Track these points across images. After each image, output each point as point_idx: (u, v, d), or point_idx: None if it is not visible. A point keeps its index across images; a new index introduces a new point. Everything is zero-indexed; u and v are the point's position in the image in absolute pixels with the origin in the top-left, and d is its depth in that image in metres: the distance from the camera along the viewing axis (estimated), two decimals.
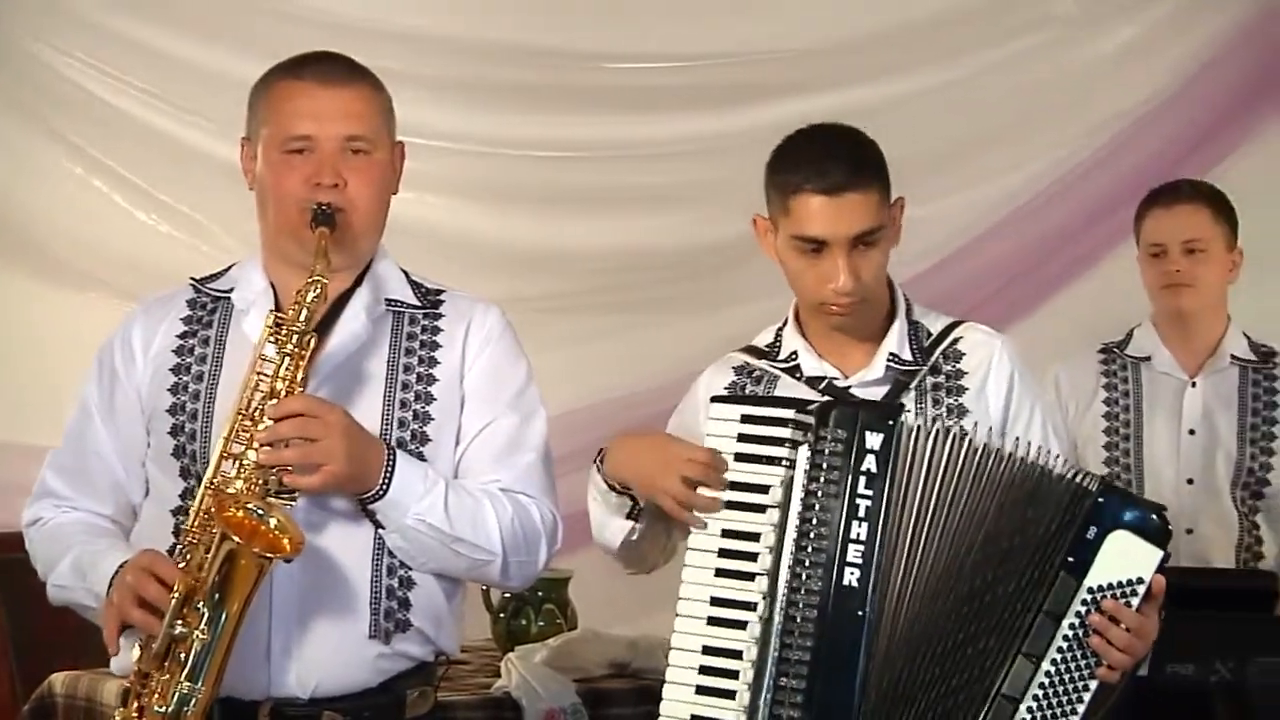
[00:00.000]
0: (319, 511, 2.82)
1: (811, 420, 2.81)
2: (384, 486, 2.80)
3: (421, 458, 2.87)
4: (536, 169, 5.23)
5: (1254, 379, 4.18)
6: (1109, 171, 5.22)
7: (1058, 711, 2.75)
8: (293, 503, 2.75)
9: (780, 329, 3.10)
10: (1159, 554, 2.76)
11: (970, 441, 2.78)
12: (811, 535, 2.79)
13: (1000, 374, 3.02)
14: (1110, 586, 2.75)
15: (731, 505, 2.84)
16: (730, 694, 2.80)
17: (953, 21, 5.20)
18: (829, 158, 2.93)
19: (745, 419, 2.87)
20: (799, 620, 2.78)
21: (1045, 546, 2.76)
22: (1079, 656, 2.76)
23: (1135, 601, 2.75)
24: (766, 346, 3.10)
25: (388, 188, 2.96)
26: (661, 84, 5.23)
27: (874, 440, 2.79)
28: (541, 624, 4.11)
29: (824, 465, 2.80)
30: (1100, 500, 2.77)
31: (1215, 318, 4.21)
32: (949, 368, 3.02)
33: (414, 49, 4.99)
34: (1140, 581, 2.76)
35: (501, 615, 4.17)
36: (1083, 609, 2.75)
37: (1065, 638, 2.75)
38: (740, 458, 2.85)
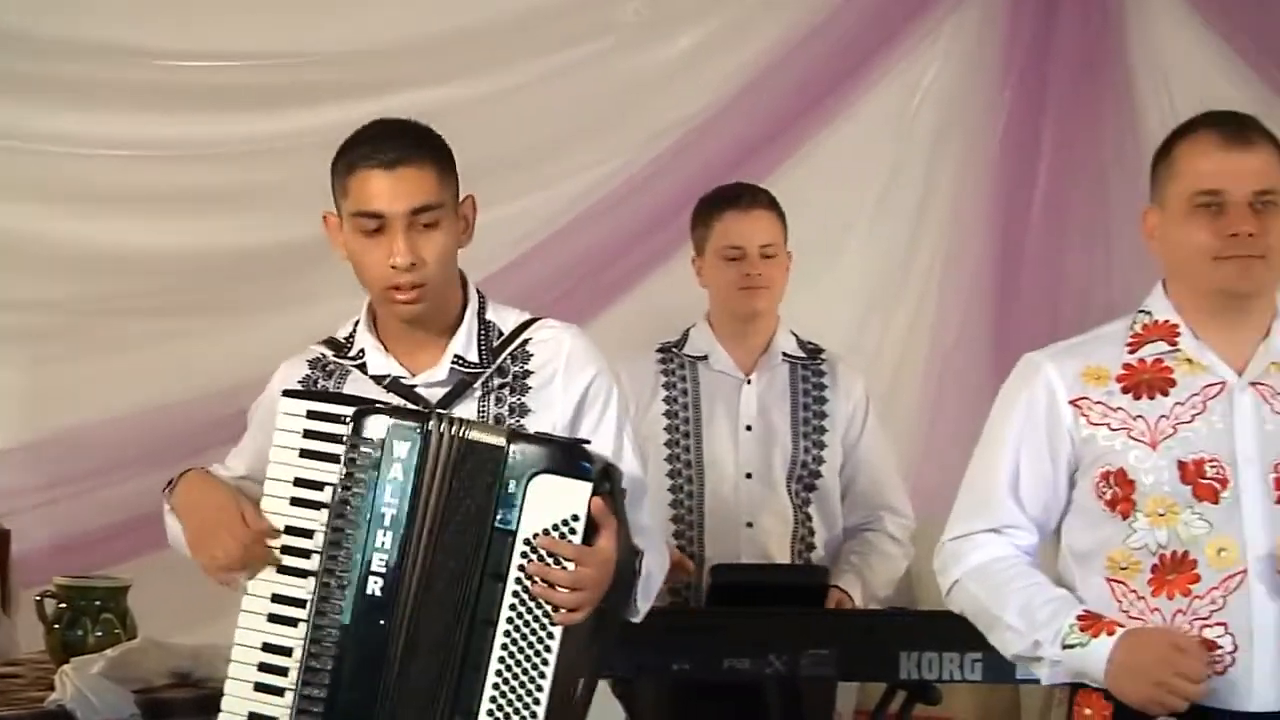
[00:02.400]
0: None
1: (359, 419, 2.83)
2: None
3: None
4: (102, 168, 5.08)
5: (803, 375, 4.31)
6: (671, 177, 5.31)
7: (526, 667, 2.78)
8: None
9: (358, 322, 3.08)
10: (587, 486, 2.79)
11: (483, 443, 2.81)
12: (341, 544, 2.80)
13: (576, 370, 3.05)
14: (545, 532, 2.78)
15: (295, 502, 2.84)
16: (281, 691, 2.80)
17: (519, 27, 5.22)
18: (386, 135, 2.95)
19: (311, 415, 2.86)
20: (325, 629, 2.79)
21: (479, 513, 2.80)
22: (533, 609, 2.79)
23: (576, 538, 2.78)
24: (343, 340, 3.08)
25: None
26: (231, 83, 5.13)
27: (401, 449, 2.80)
28: (99, 634, 3.98)
29: (354, 474, 2.81)
30: (513, 452, 2.80)
31: (770, 320, 4.32)
32: (516, 368, 3.04)
33: None
34: (576, 518, 2.79)
35: (56, 626, 4.03)
36: (524, 561, 2.78)
37: (515, 594, 2.78)
38: (305, 454, 2.85)
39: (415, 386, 3.00)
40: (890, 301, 5.51)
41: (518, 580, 2.79)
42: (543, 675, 2.79)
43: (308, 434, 2.85)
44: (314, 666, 2.79)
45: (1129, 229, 5.30)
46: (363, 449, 2.82)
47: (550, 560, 2.79)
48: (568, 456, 2.82)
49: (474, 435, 2.84)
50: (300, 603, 2.82)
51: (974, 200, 5.53)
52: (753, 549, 4.22)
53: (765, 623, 3.90)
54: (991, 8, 5.48)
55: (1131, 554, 2.92)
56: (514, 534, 2.79)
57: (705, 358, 4.30)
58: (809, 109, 5.39)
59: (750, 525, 4.23)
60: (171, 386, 4.99)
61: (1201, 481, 2.89)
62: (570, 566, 2.79)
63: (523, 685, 2.78)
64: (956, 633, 3.23)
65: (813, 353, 4.34)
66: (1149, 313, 3.03)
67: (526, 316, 3.10)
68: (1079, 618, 2.90)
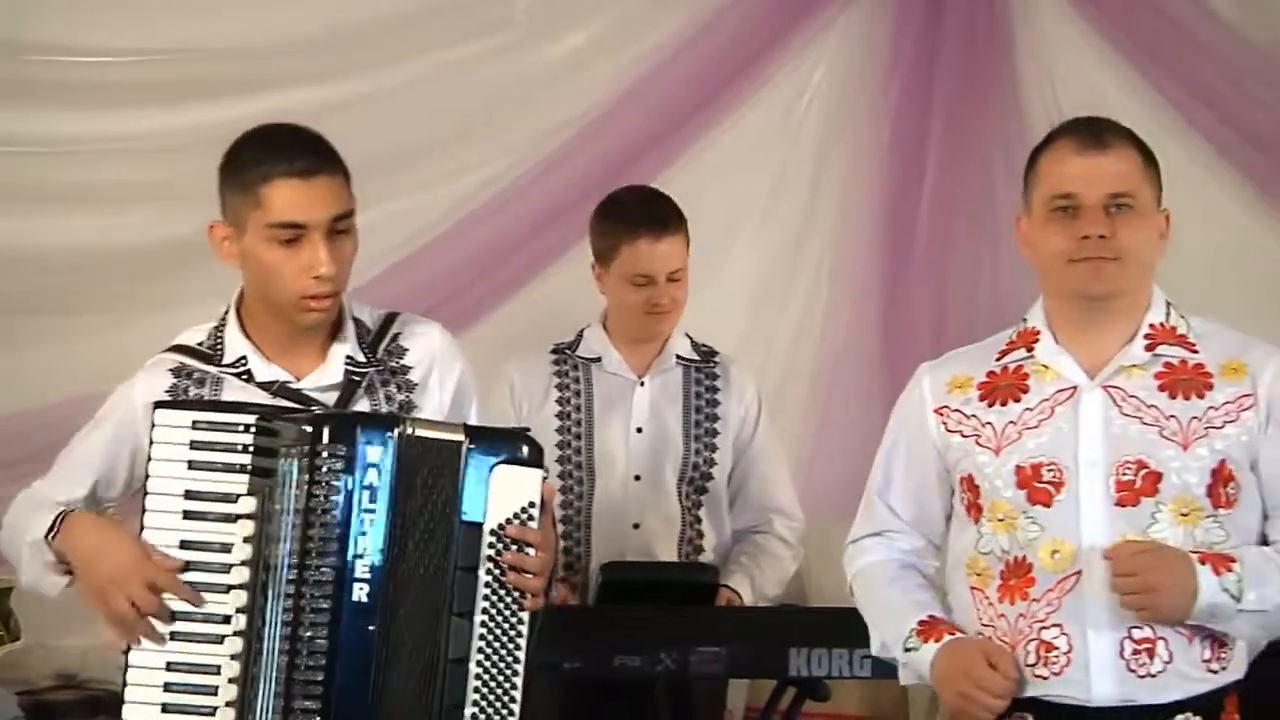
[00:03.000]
0: None
1: (273, 426, 2.79)
2: None
3: None
4: None
5: (697, 377, 4.31)
6: (561, 176, 5.30)
7: (503, 654, 2.81)
8: None
9: (217, 330, 3.04)
10: (539, 473, 2.85)
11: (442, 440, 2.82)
12: (314, 553, 2.75)
13: (449, 367, 3.08)
14: (510, 521, 2.82)
15: (189, 515, 2.79)
16: (209, 711, 2.75)
17: (408, 23, 5.19)
18: (295, 145, 2.94)
19: (197, 425, 2.82)
20: (307, 639, 2.74)
21: (446, 509, 2.81)
22: (504, 597, 2.82)
23: (535, 524, 2.84)
24: (207, 348, 3.03)
25: None
26: (113, 80, 5.06)
27: (374, 453, 2.79)
28: None
29: (322, 481, 2.76)
30: (471, 446, 2.82)
31: None
32: (394, 363, 3.05)
33: None
34: (533, 505, 2.84)
35: None
36: (492, 552, 2.81)
37: (487, 584, 2.81)
38: (195, 465, 2.80)
39: (304, 390, 2.98)
40: (778, 301, 5.53)
41: (489, 571, 2.81)
42: (517, 660, 2.83)
43: (195, 445, 2.81)
44: (302, 679, 2.74)
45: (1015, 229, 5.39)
46: (328, 455, 2.77)
47: (517, 548, 2.83)
48: (521, 446, 2.86)
49: (432, 434, 2.84)
50: (224, 618, 2.78)
51: (862, 199, 5.56)
52: (639, 550, 4.23)
53: (656, 620, 3.91)
54: (878, 8, 5.51)
55: (984, 559, 2.99)
56: (481, 525, 2.82)
57: (599, 360, 4.30)
58: (698, 108, 5.40)
59: (637, 527, 4.24)
60: (59, 385, 4.92)
61: (1036, 485, 2.95)
62: (533, 552, 2.84)
63: (502, 673, 2.82)
64: (846, 629, 3.28)
65: (706, 355, 4.35)
66: (1025, 320, 3.11)
67: (382, 311, 3.10)
68: (920, 623, 3.00)
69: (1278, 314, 4.85)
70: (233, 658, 2.77)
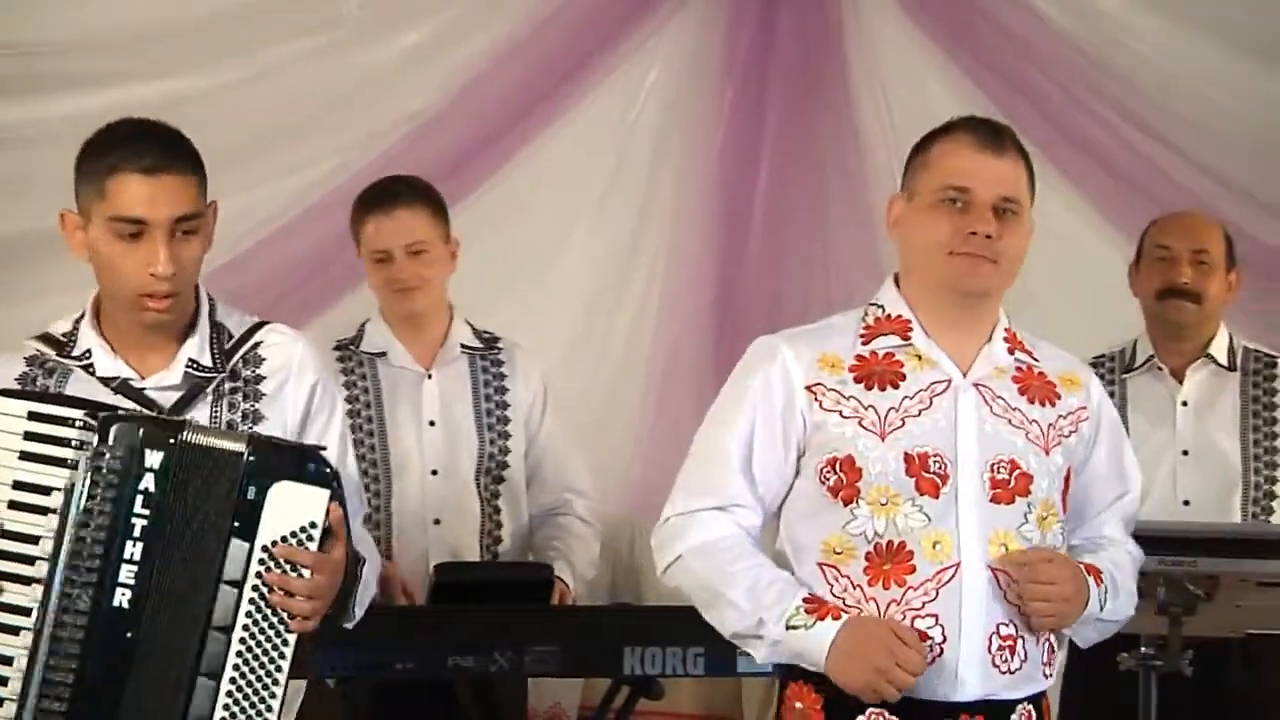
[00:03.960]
0: None
1: (93, 423, 2.76)
2: None
3: None
4: None
5: (483, 365, 4.30)
6: (395, 174, 5.29)
7: (261, 674, 2.77)
8: None
9: (78, 320, 3.01)
10: (325, 493, 2.79)
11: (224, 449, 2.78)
12: (85, 554, 2.74)
13: (303, 378, 3.03)
14: (284, 539, 2.78)
15: (14, 505, 2.76)
16: None
17: (243, 19, 5.16)
18: (145, 138, 2.90)
19: (32, 416, 2.78)
20: (66, 640, 2.72)
21: (218, 520, 2.77)
22: (269, 616, 2.78)
23: (314, 545, 2.79)
24: (63, 336, 3.00)
25: None
26: None
27: (154, 458, 2.75)
28: None
29: (101, 481, 2.74)
30: (252, 459, 2.78)
31: (441, 312, 4.29)
32: (248, 372, 3.00)
33: None
34: (314, 525, 2.79)
35: None
36: (262, 569, 2.77)
37: (251, 601, 2.77)
38: (25, 456, 2.77)
39: (145, 390, 2.95)
40: (613, 300, 5.54)
41: (254, 588, 2.77)
42: (276, 682, 2.78)
43: (29, 436, 2.78)
44: (53, 679, 2.71)
45: (848, 227, 5.45)
46: (109, 457, 2.75)
47: (288, 568, 2.78)
48: (307, 463, 2.80)
49: (215, 442, 2.80)
50: (22, 610, 2.74)
51: (696, 199, 5.59)
52: (440, 546, 4.21)
53: (490, 620, 3.90)
54: (712, 10, 5.54)
55: (848, 540, 2.96)
56: (253, 541, 2.77)
57: (384, 354, 4.26)
58: (532, 108, 5.40)
59: (438, 522, 4.22)
60: None
61: (925, 475, 2.95)
62: (307, 574, 2.79)
63: (256, 692, 2.77)
64: (679, 627, 3.28)
65: (489, 342, 4.33)
66: (880, 306, 3.08)
67: (253, 319, 3.07)
68: (805, 600, 2.94)
69: (1102, 315, 4.95)
70: (26, 651, 2.74)
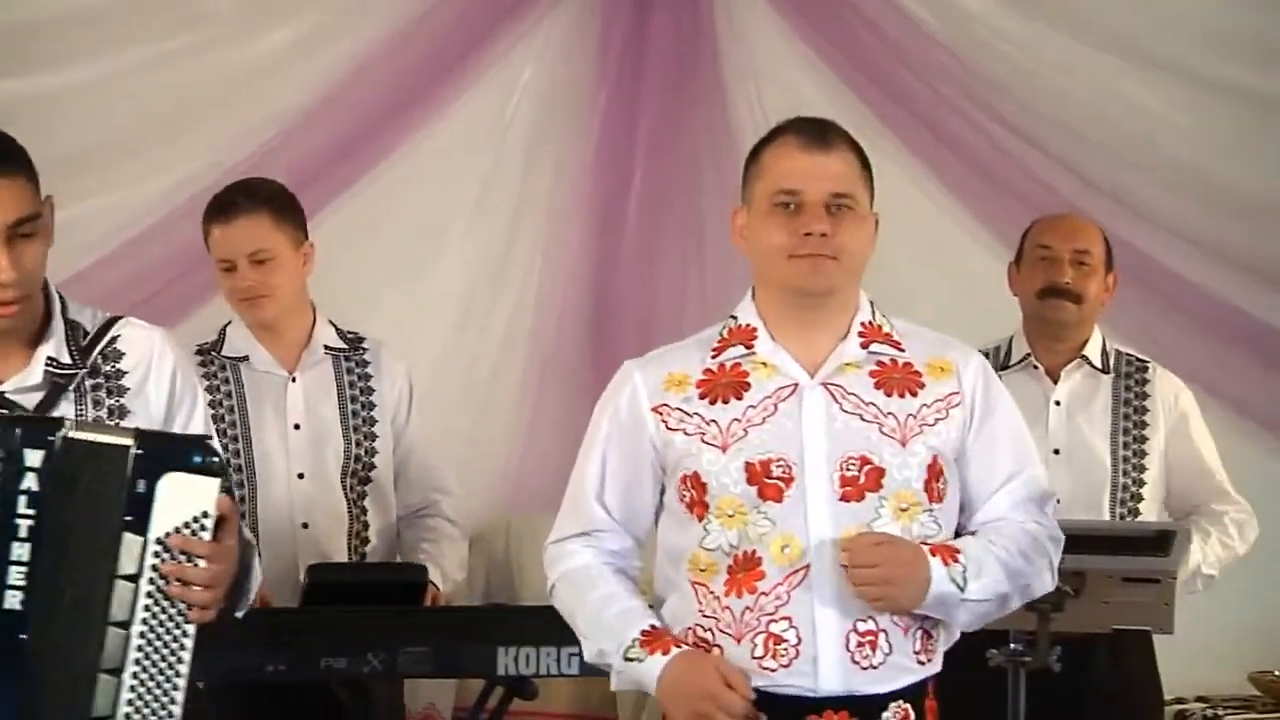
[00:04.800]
0: None
1: None
2: None
3: None
4: None
5: (348, 366, 4.26)
6: (267, 174, 5.18)
7: (163, 667, 2.75)
8: None
9: None
10: (215, 482, 2.77)
11: (110, 445, 2.75)
12: None
13: (162, 368, 2.98)
14: (177, 530, 2.76)
15: None
16: None
17: (105, 17, 5.11)
18: None
19: None
20: None
21: (109, 515, 2.74)
22: (168, 609, 2.76)
23: (207, 535, 2.77)
24: None
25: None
26: None
27: (34, 457, 2.71)
28: None
29: None
30: (140, 452, 2.75)
31: (300, 316, 4.25)
32: (109, 367, 2.96)
33: None
34: (206, 515, 2.77)
35: None
36: (157, 561, 2.75)
37: (149, 594, 2.74)
38: None
39: (5, 393, 2.91)
40: (489, 301, 5.53)
41: (151, 581, 2.74)
42: (178, 674, 2.76)
43: None
44: None
45: (722, 226, 5.41)
46: None
47: (183, 558, 2.75)
48: (196, 453, 2.78)
49: (99, 437, 2.76)
50: None
51: (571, 199, 5.59)
52: (310, 549, 4.17)
53: (363, 621, 3.87)
54: (585, 10, 5.55)
55: (708, 555, 2.99)
56: (146, 534, 2.74)
57: (246, 359, 4.22)
58: (404, 108, 5.38)
59: (306, 526, 4.19)
60: None
61: (767, 481, 2.97)
62: (202, 564, 2.76)
63: (159, 685, 2.74)
64: (553, 628, 3.27)
65: (354, 342, 4.30)
66: (735, 318, 3.11)
67: (105, 315, 3.03)
68: (643, 633, 3.00)
69: (966, 306, 5.01)
70: None
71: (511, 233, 5.55)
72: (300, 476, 4.18)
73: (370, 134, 5.36)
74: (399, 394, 4.29)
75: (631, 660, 2.99)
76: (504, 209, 5.53)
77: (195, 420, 3.00)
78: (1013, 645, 3.59)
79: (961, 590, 2.97)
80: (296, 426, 4.20)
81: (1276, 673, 4.99)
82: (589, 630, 3.07)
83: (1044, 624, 3.54)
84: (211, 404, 4.13)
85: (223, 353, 4.22)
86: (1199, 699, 4.86)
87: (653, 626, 3.01)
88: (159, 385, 2.98)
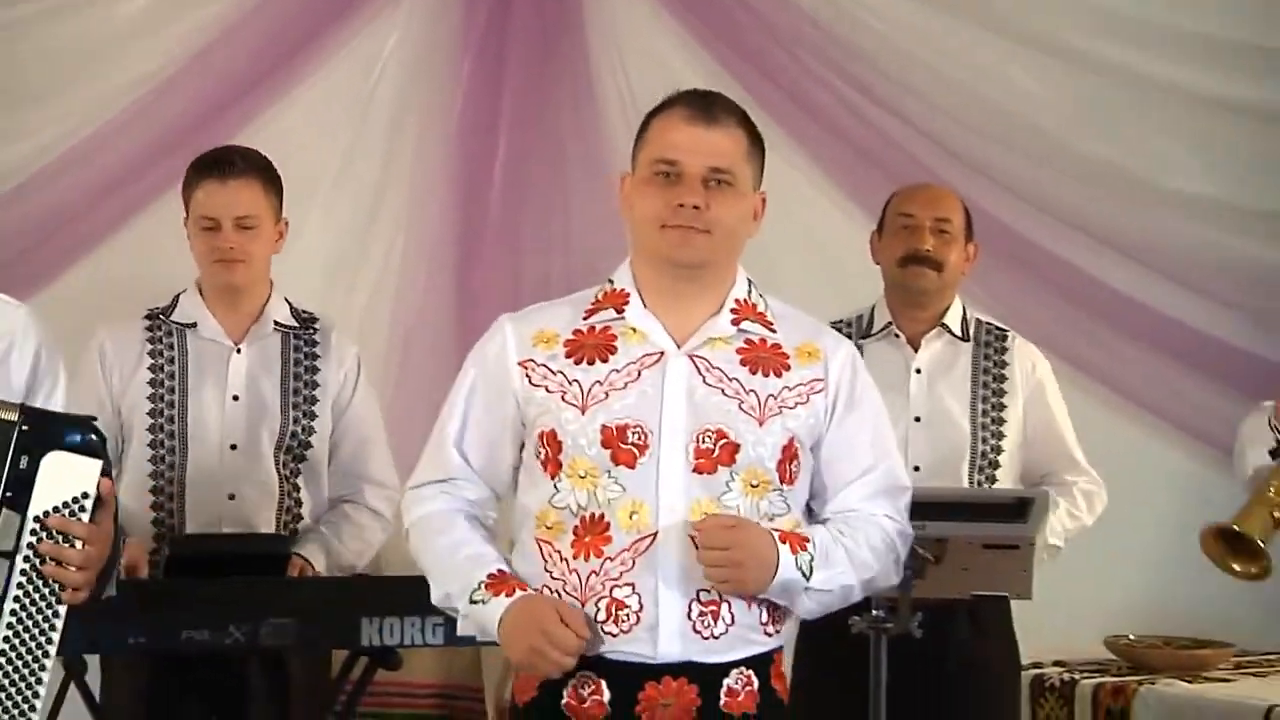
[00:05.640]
0: None
1: None
2: None
3: None
4: None
5: (296, 344, 4.26)
6: (131, 137, 5.21)
7: (31, 646, 2.74)
8: None
9: None
10: (98, 464, 2.77)
11: None
12: None
13: (26, 344, 2.95)
14: (57, 509, 2.74)
15: None
16: None
17: None
18: None
19: None
20: None
21: None
22: (40, 588, 2.75)
23: (85, 516, 2.76)
24: None
25: None
26: None
27: None
28: None
29: None
30: (25, 428, 2.74)
31: (260, 288, 4.25)
32: None
33: None
34: (86, 496, 2.76)
35: None
36: (34, 540, 2.74)
37: (23, 572, 2.73)
38: None
39: None
40: (353, 268, 5.50)
41: (26, 559, 2.73)
42: (46, 655, 2.74)
43: None
44: None
45: (586, 199, 5.47)
46: None
47: (60, 539, 2.74)
48: (80, 433, 2.77)
49: None
50: None
51: (435, 170, 5.57)
52: (235, 521, 4.16)
53: (223, 592, 3.85)
54: None
55: (556, 514, 3.02)
56: (25, 512, 2.73)
57: (194, 325, 4.22)
58: (268, 73, 5.34)
59: (233, 497, 4.17)
60: None
61: (621, 447, 2.99)
62: (79, 545, 2.75)
63: (26, 665, 2.73)
64: (417, 597, 3.26)
65: (306, 321, 4.30)
66: (611, 281, 3.13)
67: None
68: (490, 576, 3.01)
69: (835, 284, 5.03)
70: None
71: (375, 202, 5.53)
72: (233, 448, 4.17)
73: (230, 103, 5.31)
74: (345, 376, 4.28)
75: (476, 603, 3.00)
76: (368, 178, 5.51)
77: (55, 401, 2.96)
78: (875, 611, 3.61)
79: (807, 579, 3.00)
80: (235, 398, 4.19)
81: (1131, 636, 5.06)
82: (437, 573, 3.08)
83: (905, 591, 3.57)
84: (153, 368, 4.17)
85: (172, 318, 4.21)
86: (1056, 663, 4.92)
87: (500, 571, 3.02)
88: (21, 363, 2.95)
